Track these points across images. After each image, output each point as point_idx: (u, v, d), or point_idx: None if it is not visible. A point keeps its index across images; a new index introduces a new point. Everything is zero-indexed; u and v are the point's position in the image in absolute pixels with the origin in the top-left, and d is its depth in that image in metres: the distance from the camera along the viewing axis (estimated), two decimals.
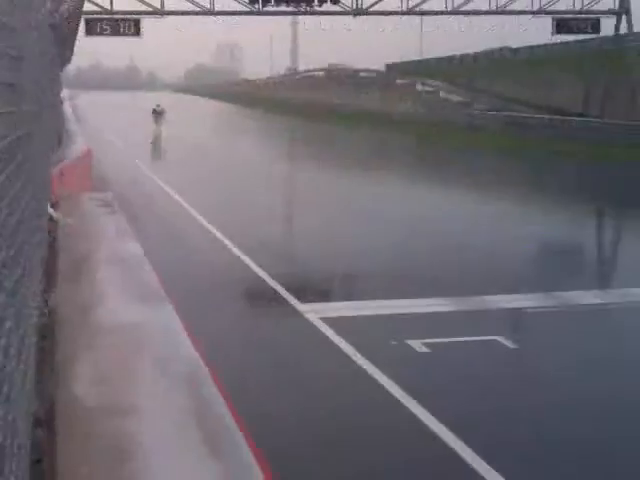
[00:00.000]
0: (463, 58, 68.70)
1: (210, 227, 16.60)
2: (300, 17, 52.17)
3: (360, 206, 20.28)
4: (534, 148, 36.64)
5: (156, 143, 39.57)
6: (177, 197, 20.91)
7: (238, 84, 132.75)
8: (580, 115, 42.67)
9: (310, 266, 13.87)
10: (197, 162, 31.50)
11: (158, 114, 44.90)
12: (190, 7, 37.73)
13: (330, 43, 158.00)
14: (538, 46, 58.83)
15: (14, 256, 3.78)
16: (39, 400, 4.35)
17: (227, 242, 15.01)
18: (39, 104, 6.77)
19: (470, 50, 69.27)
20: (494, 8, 39.65)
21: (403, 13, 39.76)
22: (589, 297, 11.49)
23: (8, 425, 2.86)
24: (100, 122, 54.14)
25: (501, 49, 68.89)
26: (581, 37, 46.07)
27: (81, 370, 4.73)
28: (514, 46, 62.29)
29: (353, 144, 44.08)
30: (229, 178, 26.82)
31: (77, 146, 21.58)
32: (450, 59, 71.06)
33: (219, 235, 15.73)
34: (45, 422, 4.22)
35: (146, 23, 37.22)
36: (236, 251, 14.25)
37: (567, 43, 52.59)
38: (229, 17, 40.48)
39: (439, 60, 73.41)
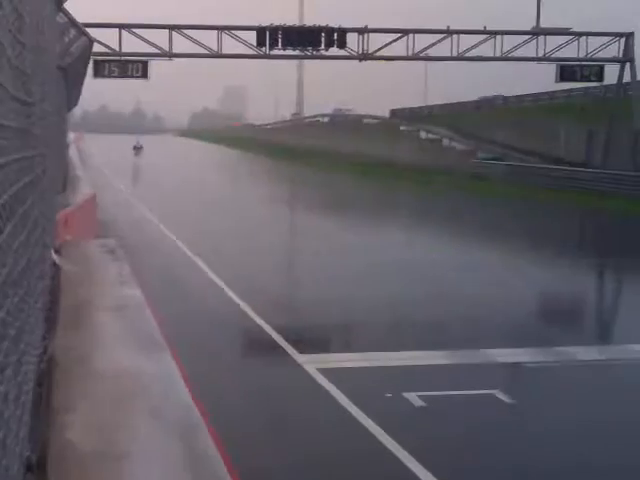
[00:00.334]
0: (466, 105, 69.24)
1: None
2: (307, 61, 52.56)
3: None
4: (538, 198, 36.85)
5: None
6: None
7: (242, 129, 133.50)
8: (582, 165, 42.84)
9: None
10: None
11: (138, 149, 67.48)
12: (198, 50, 38.09)
13: (335, 87, 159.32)
14: (531, 95, 59.41)
15: (18, 303, 3.86)
16: (32, 445, 4.38)
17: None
18: (46, 148, 6.88)
19: (474, 96, 69.93)
20: (499, 54, 39.94)
21: (409, 58, 40.05)
22: (589, 353, 11.50)
23: (1, 470, 2.91)
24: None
25: (494, 97, 70.24)
26: (585, 85, 46.51)
27: (75, 417, 4.77)
28: (507, 94, 63.07)
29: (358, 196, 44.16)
30: None
31: (82, 191, 21.70)
32: (453, 106, 71.64)
33: None
34: (37, 467, 4.25)
35: (154, 65, 37.59)
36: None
37: (569, 91, 53.11)
38: (236, 60, 40.82)
39: (442, 107, 73.97)
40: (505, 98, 67.70)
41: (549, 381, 10.31)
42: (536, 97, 59.16)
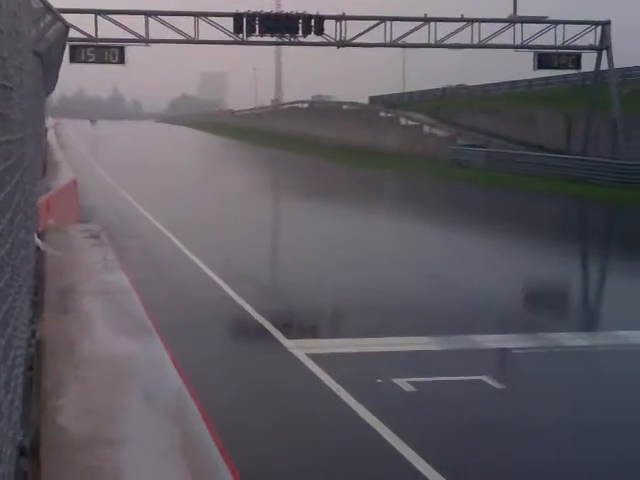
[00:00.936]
0: (446, 91, 69.44)
1: None
2: (284, 47, 52.46)
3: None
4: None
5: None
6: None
7: (222, 115, 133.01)
8: (562, 152, 43.05)
9: None
10: None
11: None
12: (175, 36, 37.89)
13: (315, 74, 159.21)
14: (509, 82, 59.74)
15: (3, 287, 3.81)
16: (24, 430, 4.35)
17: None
18: (25, 133, 6.80)
19: (453, 83, 70.18)
20: (476, 42, 40.02)
21: (386, 45, 40.01)
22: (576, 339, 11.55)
23: None
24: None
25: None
26: (563, 72, 46.74)
27: (67, 401, 4.73)
28: (484, 82, 63.58)
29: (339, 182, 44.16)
30: None
31: (63, 175, 21.54)
32: (433, 92, 71.80)
33: None
34: (30, 452, 4.22)
35: (131, 51, 37.38)
36: None
37: (546, 78, 53.38)
38: (214, 46, 40.64)
39: (422, 93, 74.09)
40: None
41: (538, 367, 10.34)
42: (514, 84, 59.42)
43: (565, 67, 41.66)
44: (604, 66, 41.34)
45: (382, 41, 39.66)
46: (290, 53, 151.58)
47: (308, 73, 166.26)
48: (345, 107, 75.74)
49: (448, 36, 39.71)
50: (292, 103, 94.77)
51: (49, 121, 57.05)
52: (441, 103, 63.85)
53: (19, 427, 4.13)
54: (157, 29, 37.61)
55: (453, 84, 74.96)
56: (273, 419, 8.20)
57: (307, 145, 64.88)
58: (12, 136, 5.09)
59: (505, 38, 40.42)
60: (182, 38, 37.90)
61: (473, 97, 61.10)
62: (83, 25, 35.97)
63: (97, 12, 36.58)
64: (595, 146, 41.13)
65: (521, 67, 45.82)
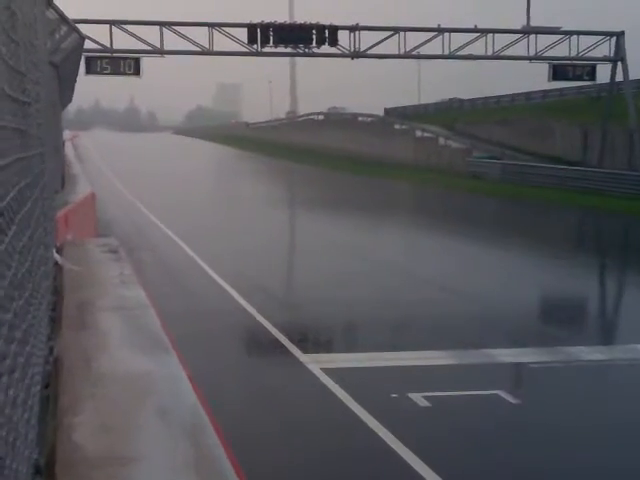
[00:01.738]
0: (462, 103, 69.44)
1: None
2: (299, 58, 52.50)
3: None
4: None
5: None
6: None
7: (238, 127, 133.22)
8: (578, 164, 42.90)
9: None
10: None
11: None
12: (189, 47, 38.04)
13: (330, 85, 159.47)
14: (524, 93, 59.64)
15: (23, 305, 3.84)
16: (40, 448, 4.38)
17: None
18: (43, 147, 6.85)
19: (468, 95, 70.19)
20: (490, 53, 39.97)
21: (400, 56, 40.03)
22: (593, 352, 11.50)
23: (12, 474, 2.91)
24: None
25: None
26: (577, 84, 46.62)
27: (83, 419, 4.75)
28: (499, 93, 63.66)
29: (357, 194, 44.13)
30: None
31: (81, 189, 21.62)
32: (448, 104, 71.86)
33: None
34: (45, 470, 4.25)
35: (146, 63, 37.51)
36: None
37: (561, 90, 53.29)
38: (228, 57, 40.79)
39: (437, 105, 74.17)
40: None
41: (554, 381, 10.30)
42: (528, 96, 59.33)
43: (580, 78, 41.53)
44: (619, 77, 41.20)
45: (396, 52, 39.68)
46: (304, 64, 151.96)
47: (322, 84, 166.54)
48: (360, 119, 75.78)
49: (462, 47, 39.70)
50: (307, 115, 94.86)
51: (66, 134, 57.33)
52: (457, 114, 63.83)
53: (35, 445, 4.15)
54: (172, 40, 37.85)
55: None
56: (288, 433, 8.20)
57: (323, 157, 64.92)
58: (31, 152, 5.13)
59: (519, 49, 40.42)
60: (197, 49, 38.06)
61: (495, 108, 60.97)
62: (98, 36, 36.22)
63: (112, 22, 36.78)
64: (612, 158, 40.96)
65: (536, 78, 45.76)
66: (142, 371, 5.52)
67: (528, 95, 59.49)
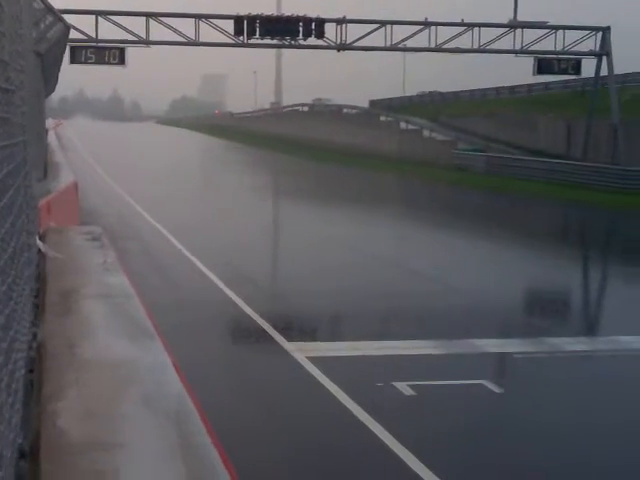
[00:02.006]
0: (445, 96, 69.60)
1: None
2: (285, 50, 52.39)
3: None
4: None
5: None
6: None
7: (222, 117, 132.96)
8: (562, 157, 43.09)
9: None
10: None
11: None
12: (175, 37, 37.91)
13: (315, 77, 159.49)
14: (508, 87, 59.86)
15: (6, 291, 3.82)
16: (24, 433, 4.36)
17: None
18: (25, 135, 6.81)
19: (454, 88, 70.35)
20: (476, 47, 40.03)
21: (387, 49, 40.03)
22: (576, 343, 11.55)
23: None
24: None
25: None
26: (562, 78, 46.81)
27: (67, 404, 4.73)
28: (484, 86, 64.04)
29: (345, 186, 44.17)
30: None
31: (63, 178, 21.54)
32: (428, 97, 72.05)
33: None
34: (30, 454, 4.23)
35: (131, 53, 37.36)
36: None
37: (546, 84, 53.52)
38: (214, 48, 40.67)
39: (422, 97, 74.30)
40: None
41: (537, 371, 10.35)
42: (513, 90, 59.49)
43: (565, 72, 41.66)
44: (604, 72, 41.36)
45: (382, 45, 39.68)
46: (290, 56, 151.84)
47: (308, 76, 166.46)
48: (345, 111, 75.75)
49: (448, 40, 39.74)
50: (292, 106, 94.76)
51: (49, 122, 57.07)
52: (443, 107, 63.98)
53: (19, 430, 4.13)
54: (158, 30, 37.65)
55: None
56: (272, 421, 8.21)
57: (308, 149, 64.93)
58: (14, 139, 5.10)
59: (505, 43, 40.46)
60: (183, 40, 37.93)
61: (473, 102, 61.24)
62: (84, 26, 36.01)
63: (98, 13, 36.58)
64: (595, 151, 41.17)
65: (521, 72, 45.89)
66: (126, 358, 5.51)
67: (513, 89, 59.66)
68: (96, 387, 5.00)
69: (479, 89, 65.17)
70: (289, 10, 39.98)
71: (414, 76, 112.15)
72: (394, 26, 39.45)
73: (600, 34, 40.70)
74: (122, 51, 37.04)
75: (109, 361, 5.45)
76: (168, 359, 5.51)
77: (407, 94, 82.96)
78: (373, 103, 79.05)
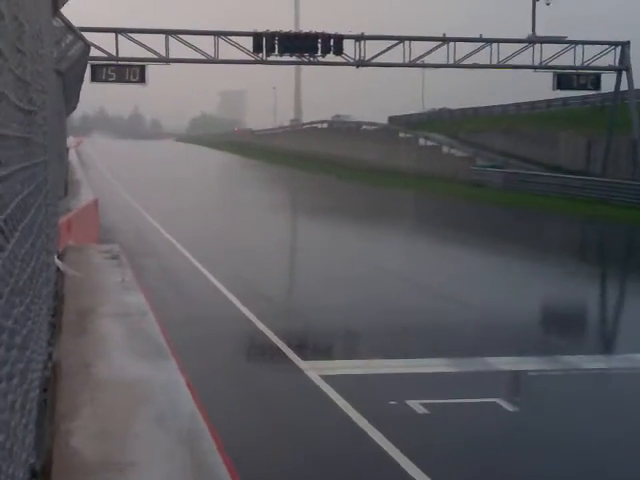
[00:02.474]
0: (464, 112, 69.54)
1: None
2: (304, 67, 52.60)
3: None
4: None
5: None
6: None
7: (242, 134, 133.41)
8: (582, 173, 42.93)
9: None
10: None
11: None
12: (195, 55, 38.12)
13: (334, 93, 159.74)
14: (529, 103, 59.68)
15: (24, 312, 3.87)
16: (37, 452, 4.40)
17: None
18: (47, 154, 6.89)
19: (472, 104, 70.24)
20: (495, 62, 40.00)
21: (405, 65, 40.07)
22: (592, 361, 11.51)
23: (8, 478, 2.93)
24: None
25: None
26: (582, 93, 46.64)
27: (80, 424, 4.78)
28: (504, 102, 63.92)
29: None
30: None
31: (84, 196, 21.68)
32: (452, 112, 71.98)
33: None
34: (42, 474, 4.27)
35: (151, 70, 37.59)
36: None
37: (565, 99, 53.34)
38: (233, 66, 40.87)
39: (440, 113, 74.31)
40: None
41: (552, 389, 10.31)
42: (533, 105, 59.36)
43: (584, 88, 41.53)
44: (624, 87, 41.19)
45: (401, 61, 39.73)
46: (309, 72, 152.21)
47: (327, 92, 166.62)
48: (364, 127, 75.81)
49: (467, 56, 39.73)
50: (311, 123, 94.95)
51: (70, 140, 57.45)
52: (461, 123, 63.93)
53: (32, 450, 4.17)
54: (177, 48, 37.92)
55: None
56: (285, 440, 8.22)
57: (325, 165, 65.00)
58: (35, 159, 5.17)
59: (524, 58, 40.39)
60: (202, 57, 38.13)
61: (492, 117, 61.15)
62: (104, 44, 36.32)
63: (118, 31, 36.89)
64: (615, 167, 40.97)
65: (540, 87, 45.77)
66: (141, 377, 5.56)
67: (532, 104, 59.53)
68: (110, 406, 5.05)
69: (498, 105, 65.07)
70: (307, 27, 40.26)
71: (433, 92, 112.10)
72: (412, 42, 39.52)
73: (619, 49, 40.60)
74: (142, 69, 37.28)
75: (124, 380, 5.50)
76: (181, 378, 5.55)
77: (424, 110, 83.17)
78: (392, 119, 79.09)
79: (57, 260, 8.51)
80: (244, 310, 14.06)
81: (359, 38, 39.01)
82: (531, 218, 34.00)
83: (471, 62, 40.25)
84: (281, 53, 37.92)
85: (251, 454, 7.38)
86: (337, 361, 11.33)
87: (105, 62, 36.91)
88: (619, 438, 8.51)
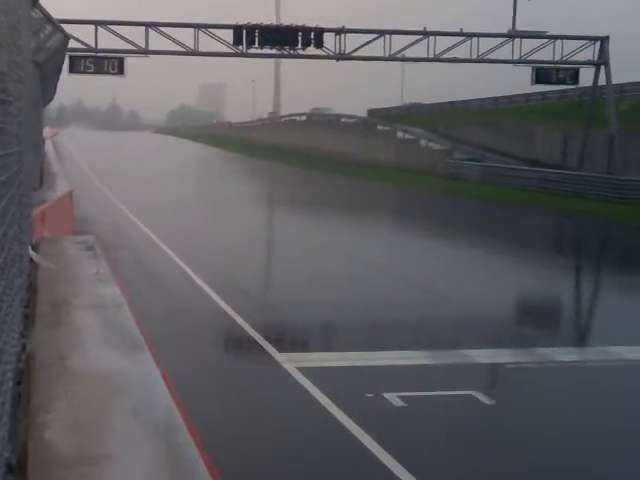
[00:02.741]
0: (442, 106, 69.76)
1: None
2: (284, 60, 52.50)
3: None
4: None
5: None
6: None
7: (220, 127, 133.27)
8: (559, 167, 43.21)
9: None
10: None
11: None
12: (174, 47, 37.99)
13: (313, 86, 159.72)
14: (507, 97, 60.00)
15: None
16: (12, 445, 4.34)
17: None
18: (22, 145, 6.82)
19: (452, 98, 70.49)
20: (475, 56, 40.12)
21: (385, 59, 40.12)
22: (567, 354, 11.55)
23: None
24: None
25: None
26: (560, 87, 46.89)
27: (55, 416, 4.72)
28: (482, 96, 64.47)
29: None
30: None
31: (59, 187, 21.54)
32: (430, 106, 72.21)
33: None
34: (17, 468, 4.22)
35: (130, 62, 37.41)
36: None
37: (544, 93, 53.64)
38: (213, 58, 40.75)
39: (419, 107, 74.53)
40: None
41: (528, 382, 10.35)
42: (511, 99, 59.61)
43: (563, 82, 41.76)
44: (602, 81, 41.43)
45: (381, 54, 39.76)
46: (290, 65, 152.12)
47: (307, 85, 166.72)
48: (343, 120, 75.90)
49: (447, 50, 39.85)
50: (290, 116, 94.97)
51: (46, 131, 57.09)
52: (440, 117, 64.15)
53: (7, 443, 4.12)
54: (157, 40, 37.74)
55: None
56: (261, 432, 8.21)
57: (304, 158, 65.04)
58: (9, 149, 5.10)
59: (504, 52, 40.54)
60: (182, 50, 38.01)
61: (477, 110, 61.40)
62: (83, 36, 36.11)
63: (97, 23, 36.70)
64: (591, 161, 41.25)
65: (519, 81, 45.99)
66: (116, 369, 5.49)
67: (511, 98, 59.79)
68: (85, 399, 4.99)
69: (477, 99, 65.32)
70: (288, 20, 40.13)
71: (413, 85, 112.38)
72: (393, 36, 39.57)
73: (598, 44, 40.81)
74: (121, 61, 37.11)
75: (99, 373, 5.44)
76: (157, 371, 5.50)
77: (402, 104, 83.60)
78: (371, 112, 79.23)
79: (31, 251, 8.42)
80: (222, 303, 14.03)
81: (339, 31, 39.01)
82: (508, 211, 34.23)
83: (451, 56, 40.40)
84: (261, 46, 37.87)
85: (224, 446, 7.34)
86: (314, 353, 11.33)
87: (84, 53, 36.70)
88: (595, 431, 8.56)
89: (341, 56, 39.23)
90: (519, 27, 41.16)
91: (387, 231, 27.22)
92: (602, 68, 40.99)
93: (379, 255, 21.13)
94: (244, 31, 37.39)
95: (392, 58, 40.49)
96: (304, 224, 28.32)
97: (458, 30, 40.10)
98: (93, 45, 36.64)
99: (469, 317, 13.84)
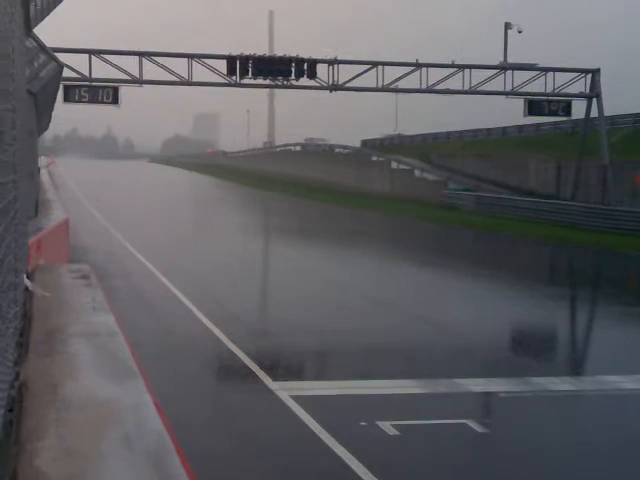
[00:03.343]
0: (436, 136, 70.15)
1: None
2: (277, 90, 52.73)
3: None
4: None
5: None
6: None
7: (214, 155, 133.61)
8: (552, 197, 43.47)
9: None
10: None
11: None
12: (168, 77, 38.16)
13: (307, 117, 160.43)
14: (500, 128, 60.38)
15: None
16: (1, 473, 4.35)
17: None
18: (16, 174, 6.86)
19: (444, 129, 70.86)
20: (467, 88, 40.41)
21: (378, 90, 40.34)
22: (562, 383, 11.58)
23: None
24: None
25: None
26: (553, 119, 47.22)
27: (46, 444, 4.72)
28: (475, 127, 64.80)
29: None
30: None
31: (54, 215, 21.56)
32: (423, 137, 72.63)
33: None
34: None
35: (125, 92, 37.55)
36: None
37: (537, 125, 54.01)
38: (207, 88, 40.95)
39: (413, 137, 74.92)
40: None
41: (522, 411, 10.36)
42: (505, 131, 59.99)
43: (555, 114, 42.03)
44: (594, 113, 41.74)
45: (374, 85, 40.01)
46: (283, 95, 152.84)
47: (301, 116, 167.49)
48: (337, 150, 76.24)
49: (439, 82, 40.12)
50: (284, 146, 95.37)
51: (42, 160, 57.22)
52: (433, 147, 64.50)
53: None
54: (151, 70, 37.91)
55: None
56: (254, 460, 8.19)
57: (298, 187, 65.18)
58: (4, 178, 5.15)
59: (496, 84, 40.84)
60: (176, 79, 38.19)
61: (464, 142, 61.79)
62: (77, 65, 36.26)
63: (91, 52, 36.84)
64: (585, 192, 41.50)
65: (512, 113, 46.28)
66: (109, 398, 5.50)
67: (504, 129, 60.17)
68: (76, 427, 5.00)
69: (470, 130, 65.68)
70: (281, 50, 40.40)
71: (406, 116, 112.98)
72: (386, 67, 39.84)
73: (590, 76, 41.16)
74: (115, 90, 37.20)
75: (91, 400, 5.44)
76: (150, 398, 5.51)
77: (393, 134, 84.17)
78: (365, 143, 79.62)
79: (26, 280, 8.44)
80: (217, 332, 14.06)
81: (332, 62, 39.28)
82: (505, 241, 34.36)
83: (444, 87, 40.67)
84: (255, 76, 38.06)
85: (220, 475, 7.34)
86: (308, 382, 11.34)
87: (78, 83, 36.83)
88: (589, 460, 8.57)
89: (334, 87, 39.46)
90: (511, 60, 41.54)
91: (375, 259, 27.31)
92: (594, 100, 41.30)
93: (367, 283, 21.20)
94: (237, 61, 37.59)
95: (385, 89, 40.75)
96: (294, 252, 28.48)
97: (450, 62, 40.43)
98: (87, 74, 36.80)
99: (459, 343, 13.89)
